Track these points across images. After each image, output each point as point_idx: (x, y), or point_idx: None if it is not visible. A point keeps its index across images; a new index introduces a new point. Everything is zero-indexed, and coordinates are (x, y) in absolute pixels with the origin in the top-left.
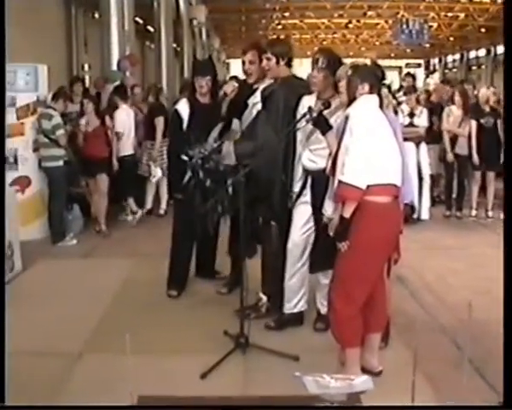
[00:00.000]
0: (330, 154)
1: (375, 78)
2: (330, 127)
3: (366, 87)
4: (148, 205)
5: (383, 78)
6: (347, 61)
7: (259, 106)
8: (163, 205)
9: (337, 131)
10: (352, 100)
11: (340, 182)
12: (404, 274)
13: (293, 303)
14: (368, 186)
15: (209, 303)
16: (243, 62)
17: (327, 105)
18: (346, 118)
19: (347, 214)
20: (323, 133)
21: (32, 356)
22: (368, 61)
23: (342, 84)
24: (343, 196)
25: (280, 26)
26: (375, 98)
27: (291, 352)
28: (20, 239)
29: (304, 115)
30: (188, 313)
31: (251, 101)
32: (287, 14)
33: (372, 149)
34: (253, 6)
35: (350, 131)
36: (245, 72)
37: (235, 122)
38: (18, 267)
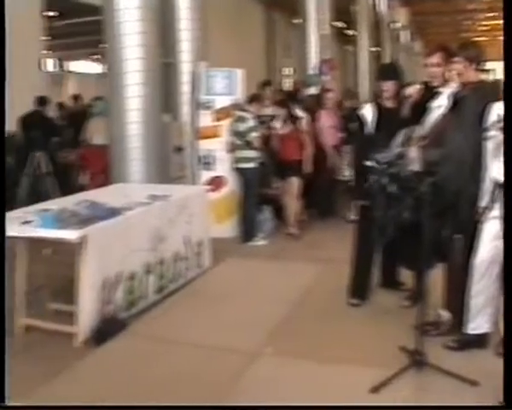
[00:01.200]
0: None
1: None
2: None
3: None
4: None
5: None
6: None
7: (442, 110)
8: (354, 210)
9: None
10: None
11: None
12: None
13: (477, 323)
14: None
15: (389, 315)
16: (428, 65)
17: None
18: None
19: None
20: None
21: (210, 350)
22: None
23: None
24: None
25: (484, 28)
26: None
27: (468, 375)
28: (213, 237)
29: (495, 123)
30: (366, 324)
31: (433, 104)
32: (491, 14)
33: None
34: (456, 7)
35: None
36: (429, 74)
37: (418, 127)
38: (207, 264)
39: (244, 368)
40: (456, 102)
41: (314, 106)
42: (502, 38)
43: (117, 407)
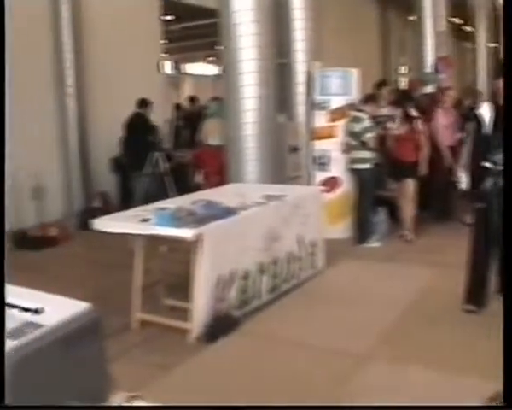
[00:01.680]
0: None
1: None
2: None
3: None
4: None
5: None
6: None
7: None
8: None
9: None
10: None
11: None
12: None
13: None
14: None
15: None
16: None
17: None
18: None
19: None
20: None
21: (321, 352)
22: None
23: None
24: None
25: None
26: None
27: None
28: (326, 237)
29: None
30: (481, 332)
31: None
32: None
33: None
34: None
35: None
36: None
37: None
38: (320, 265)
39: (353, 372)
40: None
41: (430, 105)
42: None
43: (119, 407)
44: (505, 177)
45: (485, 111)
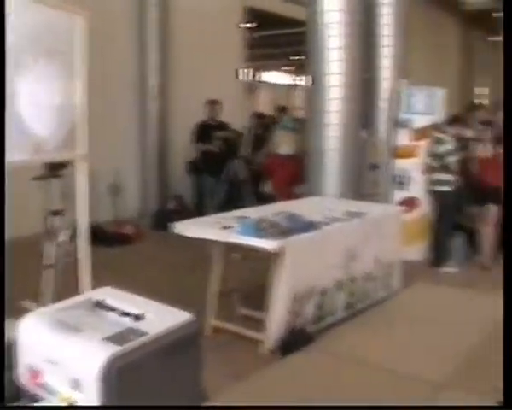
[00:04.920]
0: None
1: None
2: None
3: None
4: None
5: None
6: None
7: None
8: None
9: None
10: None
11: None
12: None
13: None
14: None
15: None
16: None
17: None
18: None
19: None
20: None
21: (394, 376)
22: None
23: None
24: None
25: None
26: None
27: None
28: (404, 259)
29: None
30: None
31: None
32: None
33: None
34: None
35: None
36: None
37: None
38: (396, 286)
39: (430, 399)
40: None
41: None
42: None
43: (120, 407)
44: (505, 175)
45: None
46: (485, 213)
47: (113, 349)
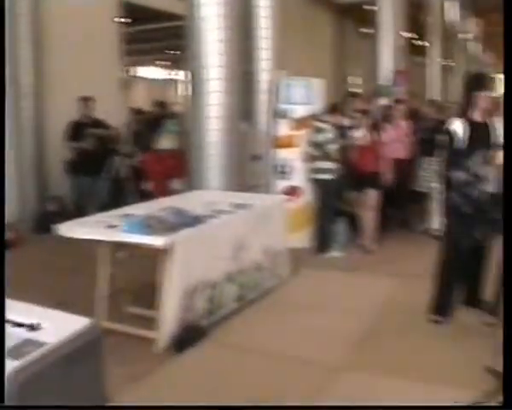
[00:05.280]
0: None
1: None
2: None
3: None
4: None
5: None
6: None
7: None
8: (434, 225)
9: None
10: None
11: None
12: None
13: None
14: None
15: (472, 334)
16: None
17: None
18: None
19: None
20: None
21: (289, 361)
22: None
23: None
24: None
25: None
26: None
27: None
28: (290, 247)
29: None
30: (446, 342)
31: None
32: None
33: None
34: None
35: None
36: None
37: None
38: (284, 274)
39: (325, 382)
40: None
41: (385, 117)
42: None
43: (120, 407)
44: (505, 176)
45: (458, 127)
46: (364, 198)
47: (12, 365)
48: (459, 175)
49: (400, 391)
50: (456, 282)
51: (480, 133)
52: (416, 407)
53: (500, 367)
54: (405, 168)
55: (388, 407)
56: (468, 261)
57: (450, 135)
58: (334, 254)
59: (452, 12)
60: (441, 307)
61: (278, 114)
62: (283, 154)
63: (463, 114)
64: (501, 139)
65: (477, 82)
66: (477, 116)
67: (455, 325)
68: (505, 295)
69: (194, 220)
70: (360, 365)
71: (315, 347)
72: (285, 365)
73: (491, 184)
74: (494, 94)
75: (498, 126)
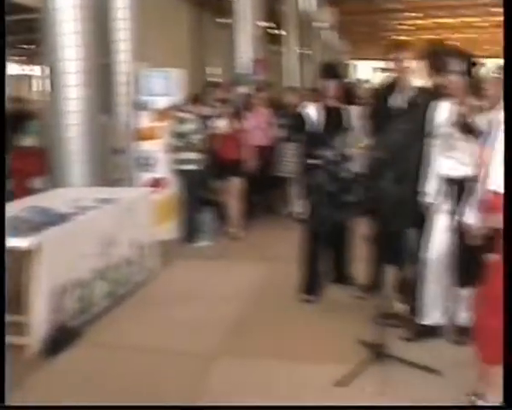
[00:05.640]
0: (477, 161)
1: None
2: (480, 132)
3: None
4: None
5: None
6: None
7: (398, 112)
8: (297, 208)
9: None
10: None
11: (489, 190)
12: None
13: (431, 315)
14: None
15: (343, 310)
16: (399, 59)
17: (468, 109)
18: (494, 122)
19: (499, 224)
20: (473, 138)
21: (167, 354)
22: None
23: (488, 87)
24: (493, 204)
25: (410, 27)
26: None
27: (426, 365)
28: (158, 239)
29: (447, 120)
30: (320, 319)
31: (391, 105)
32: (416, 14)
33: None
34: (379, 7)
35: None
36: (400, 70)
37: (359, 127)
38: (155, 267)
39: (203, 370)
40: (411, 104)
41: (246, 105)
42: (426, 37)
43: (120, 407)
44: (505, 176)
45: (311, 110)
46: (228, 186)
47: None
48: (327, 154)
49: (276, 372)
50: (322, 260)
51: (334, 117)
52: (416, 407)
53: (370, 338)
54: (267, 155)
55: (388, 407)
56: (331, 240)
57: (302, 118)
58: (203, 243)
59: (307, 1)
60: (310, 287)
61: (139, 106)
62: (146, 146)
63: (319, 99)
64: (354, 122)
65: (327, 71)
66: (331, 102)
67: (325, 303)
68: (505, 295)
69: (59, 219)
70: (235, 350)
71: (189, 338)
72: (159, 359)
73: (355, 163)
74: (346, 80)
75: (353, 111)
